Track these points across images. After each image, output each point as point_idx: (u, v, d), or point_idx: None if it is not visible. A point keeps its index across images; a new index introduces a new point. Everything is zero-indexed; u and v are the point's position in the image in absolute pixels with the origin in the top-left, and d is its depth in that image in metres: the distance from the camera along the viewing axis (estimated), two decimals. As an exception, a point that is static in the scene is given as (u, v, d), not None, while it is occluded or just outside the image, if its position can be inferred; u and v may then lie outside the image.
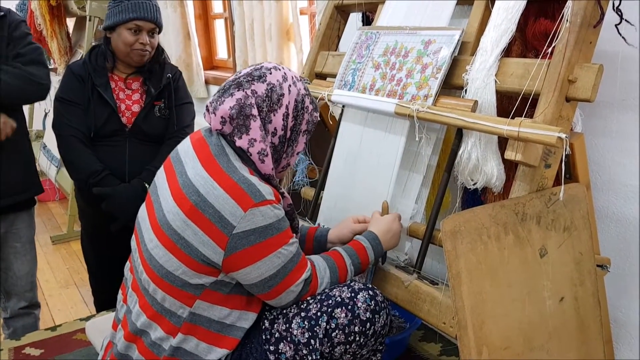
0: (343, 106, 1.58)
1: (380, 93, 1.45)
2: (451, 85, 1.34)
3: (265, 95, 1.16)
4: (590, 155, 1.35)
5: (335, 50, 1.85)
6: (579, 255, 1.18)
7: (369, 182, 1.47)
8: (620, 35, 1.16)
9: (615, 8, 1.15)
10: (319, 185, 1.64)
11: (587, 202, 1.19)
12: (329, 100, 1.57)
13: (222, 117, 1.15)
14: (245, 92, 1.15)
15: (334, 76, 1.63)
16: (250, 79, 1.17)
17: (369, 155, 1.49)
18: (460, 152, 1.27)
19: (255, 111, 1.14)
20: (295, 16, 2.42)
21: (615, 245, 1.40)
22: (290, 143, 1.22)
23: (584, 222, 1.18)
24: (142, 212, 1.25)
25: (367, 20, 1.84)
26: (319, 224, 1.58)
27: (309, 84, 1.73)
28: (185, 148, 1.22)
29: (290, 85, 1.19)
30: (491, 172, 1.23)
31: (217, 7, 3.35)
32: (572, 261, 1.17)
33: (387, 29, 1.53)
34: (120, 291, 1.34)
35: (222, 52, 3.42)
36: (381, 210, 1.37)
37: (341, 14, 1.85)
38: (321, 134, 1.78)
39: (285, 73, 1.20)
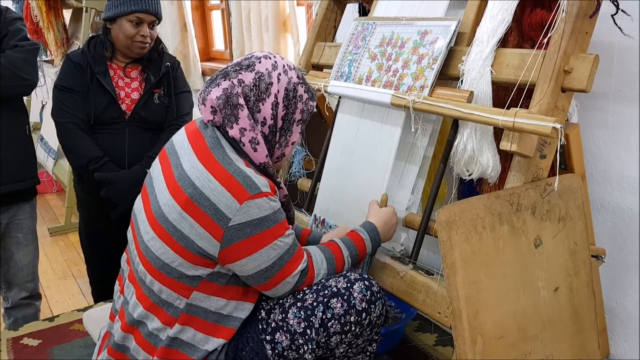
0: (339, 97, 1.58)
1: (376, 84, 1.44)
2: (447, 76, 1.33)
3: (252, 84, 1.15)
4: (586, 146, 1.36)
5: (332, 41, 1.85)
6: (573, 245, 1.18)
7: (365, 174, 1.47)
8: (617, 25, 1.16)
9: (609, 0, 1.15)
10: (316, 176, 1.64)
11: (582, 192, 1.19)
12: (325, 91, 1.57)
13: (211, 107, 1.14)
14: (232, 81, 1.14)
15: (331, 67, 1.63)
16: (238, 68, 1.16)
17: (365, 147, 1.49)
18: (456, 142, 1.27)
19: (242, 100, 1.14)
20: (292, 7, 2.41)
21: (610, 236, 1.40)
22: (283, 133, 1.20)
23: (579, 212, 1.18)
24: (138, 203, 1.25)
25: (364, 11, 1.83)
26: (315, 215, 1.58)
27: (305, 74, 1.72)
28: (180, 140, 1.21)
29: (280, 74, 1.18)
30: (487, 163, 1.23)
31: (214, -2, 3.33)
32: (567, 251, 1.17)
33: (383, 20, 1.53)
34: (117, 282, 1.35)
35: (219, 44, 3.41)
36: (380, 202, 1.37)
37: (338, 4, 1.84)
38: (318, 125, 1.78)
39: (275, 62, 1.19)
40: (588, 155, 1.38)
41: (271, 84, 1.16)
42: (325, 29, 1.84)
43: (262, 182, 1.11)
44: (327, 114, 1.71)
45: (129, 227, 1.28)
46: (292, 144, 1.23)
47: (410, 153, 1.43)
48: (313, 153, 1.77)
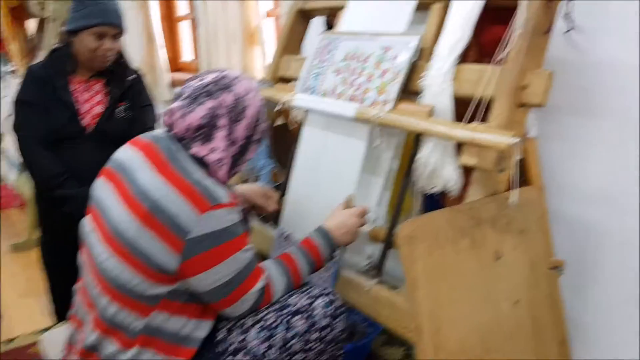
0: (306, 111, 1.58)
1: (341, 98, 1.45)
2: (410, 91, 1.35)
3: (232, 105, 1.17)
4: (544, 159, 1.38)
5: (299, 54, 1.85)
6: (533, 258, 1.20)
7: (332, 187, 1.47)
8: (570, 42, 1.19)
9: (565, 15, 1.18)
10: (283, 190, 1.63)
11: (540, 205, 1.21)
12: (292, 104, 1.57)
13: (189, 124, 1.15)
14: (216, 101, 1.15)
15: (297, 80, 1.63)
16: (218, 87, 1.17)
17: (331, 160, 1.49)
18: (418, 156, 1.28)
19: (222, 121, 1.16)
20: (260, 18, 2.41)
21: (569, 247, 1.42)
22: (245, 152, 1.22)
23: (538, 225, 1.20)
24: (88, 226, 1.22)
25: (330, 25, 1.84)
26: (280, 230, 1.57)
27: (271, 87, 1.72)
28: (128, 156, 1.21)
29: (253, 97, 1.21)
30: (448, 177, 1.25)
31: (182, 8, 3.31)
32: (527, 264, 1.19)
33: (347, 34, 1.54)
34: (71, 311, 1.31)
35: (187, 54, 3.39)
36: (344, 205, 1.37)
37: (304, 18, 1.84)
38: (285, 138, 1.77)
39: (248, 83, 1.22)
40: (546, 168, 1.40)
41: (247, 106, 1.19)
42: (292, 42, 1.85)
43: (222, 192, 1.11)
44: (294, 127, 1.71)
45: (81, 252, 1.25)
46: (247, 161, 1.25)
47: (376, 166, 1.44)
48: (281, 166, 1.76)
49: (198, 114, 1.14)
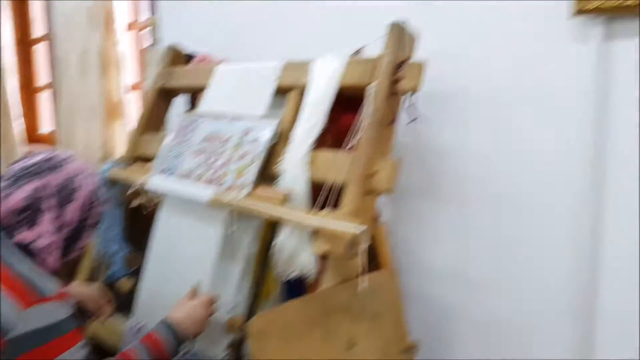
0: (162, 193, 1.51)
1: (199, 180, 1.41)
2: (268, 175, 1.34)
3: (61, 187, 1.10)
4: (399, 241, 1.43)
5: (162, 132, 1.79)
6: (386, 342, 1.20)
7: (188, 274, 1.39)
8: (416, 131, 1.28)
9: (408, 107, 1.27)
10: (137, 278, 1.51)
11: (392, 288, 1.23)
12: (147, 187, 1.49)
13: (10, 208, 1.05)
14: (40, 182, 1.08)
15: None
16: (44, 169, 1.10)
17: (187, 245, 1.42)
18: (275, 242, 1.26)
19: (48, 204, 1.07)
20: (124, 92, 2.34)
21: (425, 326, 1.46)
22: (79, 237, 1.14)
23: (390, 308, 1.22)
24: None
25: (194, 103, 1.82)
26: (134, 320, 1.44)
27: (126, 167, 1.63)
28: None
29: (86, 178, 1.14)
30: (305, 262, 1.23)
31: (42, 78, 3.12)
32: (380, 349, 1.19)
33: (208, 115, 1.52)
34: None
35: (46, 126, 3.17)
36: (190, 294, 1.29)
37: (167, 96, 1.80)
38: (141, 221, 1.67)
39: (81, 165, 1.16)
40: (401, 249, 1.46)
41: (78, 187, 1.12)
42: (154, 120, 1.79)
43: (49, 285, 1.02)
44: (151, 209, 1.62)
45: None
46: (82, 247, 1.17)
47: (234, 251, 1.38)
48: (137, 250, 1.64)
49: (19, 196, 1.06)
